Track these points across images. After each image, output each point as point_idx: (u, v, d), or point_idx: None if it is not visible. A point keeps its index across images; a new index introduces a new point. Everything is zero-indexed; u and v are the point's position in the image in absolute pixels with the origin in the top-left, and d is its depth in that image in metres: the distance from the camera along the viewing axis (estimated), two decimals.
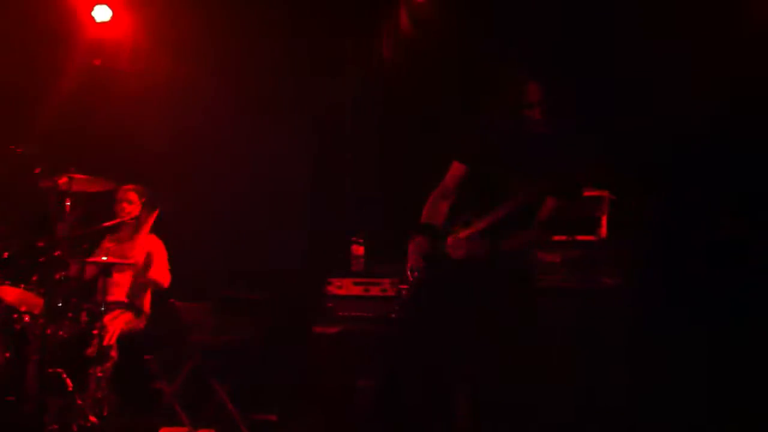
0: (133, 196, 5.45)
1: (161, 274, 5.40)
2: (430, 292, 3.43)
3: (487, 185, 3.48)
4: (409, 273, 3.48)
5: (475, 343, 3.31)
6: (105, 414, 4.67)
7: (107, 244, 5.54)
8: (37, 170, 4.77)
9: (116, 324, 5.01)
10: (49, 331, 4.47)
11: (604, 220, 4.55)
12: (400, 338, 3.62)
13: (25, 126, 5.80)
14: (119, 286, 5.29)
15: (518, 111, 3.42)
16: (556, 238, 4.49)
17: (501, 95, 3.54)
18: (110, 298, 5.08)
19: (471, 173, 3.60)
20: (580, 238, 4.51)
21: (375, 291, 4.97)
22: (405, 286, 3.74)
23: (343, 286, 5.07)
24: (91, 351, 4.78)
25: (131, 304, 5.27)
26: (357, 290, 5.04)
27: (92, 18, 5.96)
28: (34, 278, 4.80)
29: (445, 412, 3.38)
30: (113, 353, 4.87)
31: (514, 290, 3.39)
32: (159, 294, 5.43)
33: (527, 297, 3.49)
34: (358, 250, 5.27)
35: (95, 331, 4.77)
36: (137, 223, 5.42)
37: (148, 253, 5.42)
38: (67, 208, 4.79)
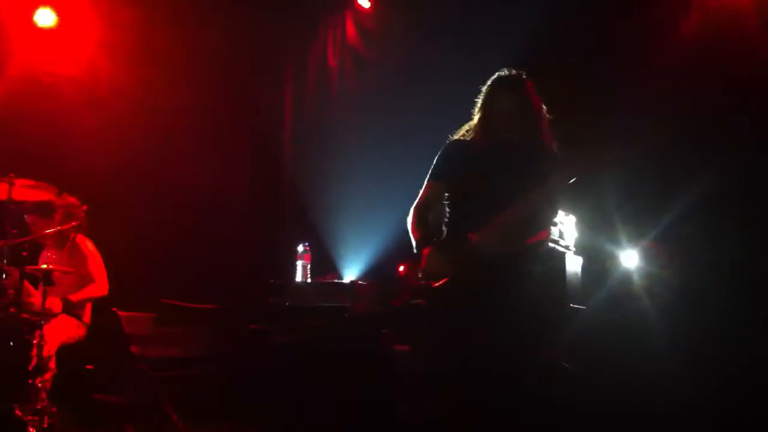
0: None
1: (100, 285, 5.26)
2: (469, 287, 3.36)
3: (477, 195, 3.44)
4: (430, 280, 3.39)
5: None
6: (45, 426, 4.54)
7: (46, 252, 5.39)
8: None
9: (56, 335, 4.88)
10: None
11: None
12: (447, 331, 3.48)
13: None
14: (59, 296, 5.15)
15: (497, 127, 3.39)
16: None
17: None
18: (49, 307, 4.94)
19: (452, 187, 3.54)
20: None
21: (326, 297, 4.94)
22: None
23: (292, 294, 5.04)
24: (30, 362, 4.66)
25: (71, 314, 5.13)
26: (308, 297, 5.01)
27: (34, 23, 5.83)
28: None
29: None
30: (52, 365, 4.76)
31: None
32: (101, 303, 5.31)
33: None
34: (306, 257, 5.26)
35: (35, 341, 4.66)
36: (72, 231, 5.26)
37: (83, 258, 5.27)
38: (7, 216, 4.67)
